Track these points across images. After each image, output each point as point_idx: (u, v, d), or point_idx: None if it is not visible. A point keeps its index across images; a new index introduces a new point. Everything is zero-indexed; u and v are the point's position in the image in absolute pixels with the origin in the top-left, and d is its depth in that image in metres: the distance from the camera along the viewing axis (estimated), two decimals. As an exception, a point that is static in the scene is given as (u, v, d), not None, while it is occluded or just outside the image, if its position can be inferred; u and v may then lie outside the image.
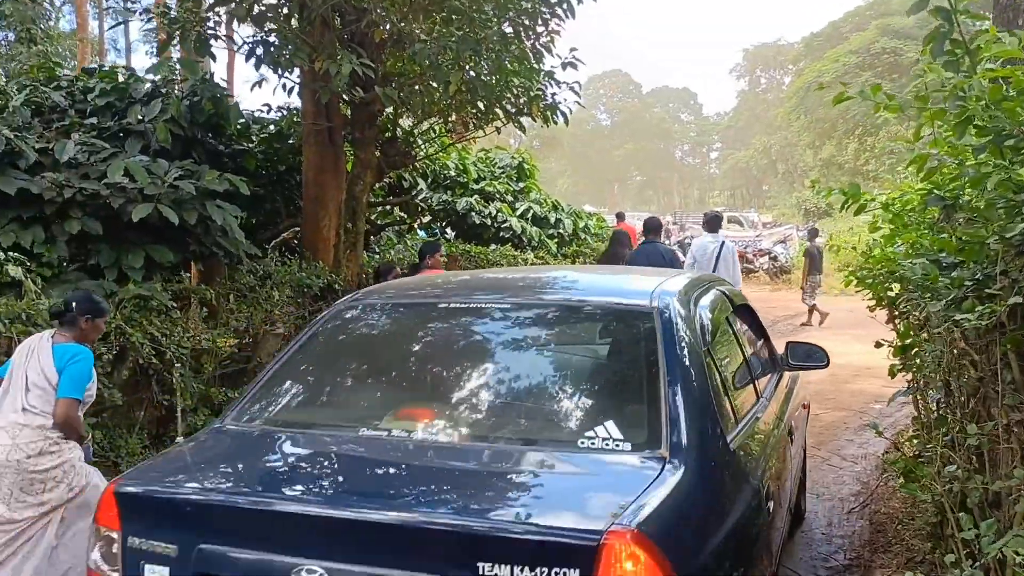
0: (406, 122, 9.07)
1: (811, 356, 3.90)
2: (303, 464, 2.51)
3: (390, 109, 8.51)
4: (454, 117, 8.72)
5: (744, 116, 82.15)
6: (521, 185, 11.39)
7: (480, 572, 1.87)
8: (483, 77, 7.30)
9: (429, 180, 10.59)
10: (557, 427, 2.50)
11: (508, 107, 7.99)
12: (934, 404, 3.68)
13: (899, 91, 33.10)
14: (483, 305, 3.08)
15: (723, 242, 8.09)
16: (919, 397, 3.96)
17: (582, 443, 2.29)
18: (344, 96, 7.91)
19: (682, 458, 2.16)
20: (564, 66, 7.93)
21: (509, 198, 10.92)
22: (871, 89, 2.42)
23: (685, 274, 3.65)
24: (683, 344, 2.57)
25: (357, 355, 3.10)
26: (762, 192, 79.56)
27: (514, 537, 1.91)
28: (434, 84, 7.42)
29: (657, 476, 2.08)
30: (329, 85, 6.89)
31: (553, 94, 7.98)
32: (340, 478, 2.44)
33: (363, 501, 2.20)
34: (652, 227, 7.59)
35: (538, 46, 7.83)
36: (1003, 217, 1.98)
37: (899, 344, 3.76)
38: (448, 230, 11.40)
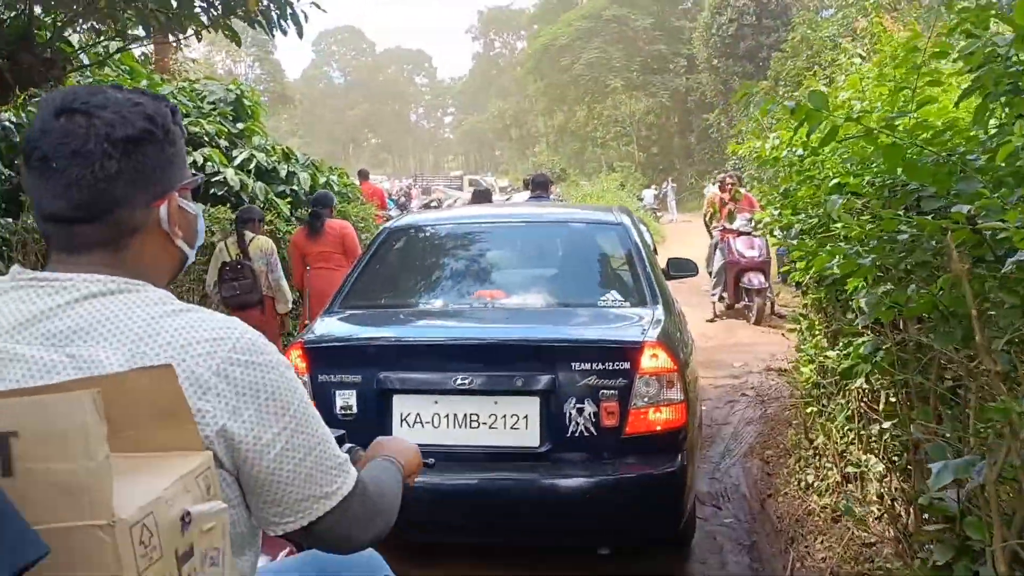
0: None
1: (685, 268, 4.92)
2: (427, 320, 3.70)
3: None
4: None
5: (478, 80, 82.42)
6: (240, 127, 8.65)
7: (572, 368, 2.99)
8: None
9: (105, 115, 7.54)
10: (583, 296, 3.77)
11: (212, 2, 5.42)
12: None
13: (628, 60, 33.68)
14: (506, 222, 4.45)
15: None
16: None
17: (600, 304, 3.61)
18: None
19: (660, 307, 3.45)
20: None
21: (223, 142, 8.19)
22: None
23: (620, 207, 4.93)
24: (641, 244, 3.91)
25: (419, 261, 4.21)
26: (495, 157, 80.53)
27: (593, 345, 3.09)
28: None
29: (652, 316, 3.33)
30: None
31: (279, -17, 5.53)
32: (462, 324, 3.60)
33: (490, 332, 3.39)
34: (541, 183, 8.14)
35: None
36: None
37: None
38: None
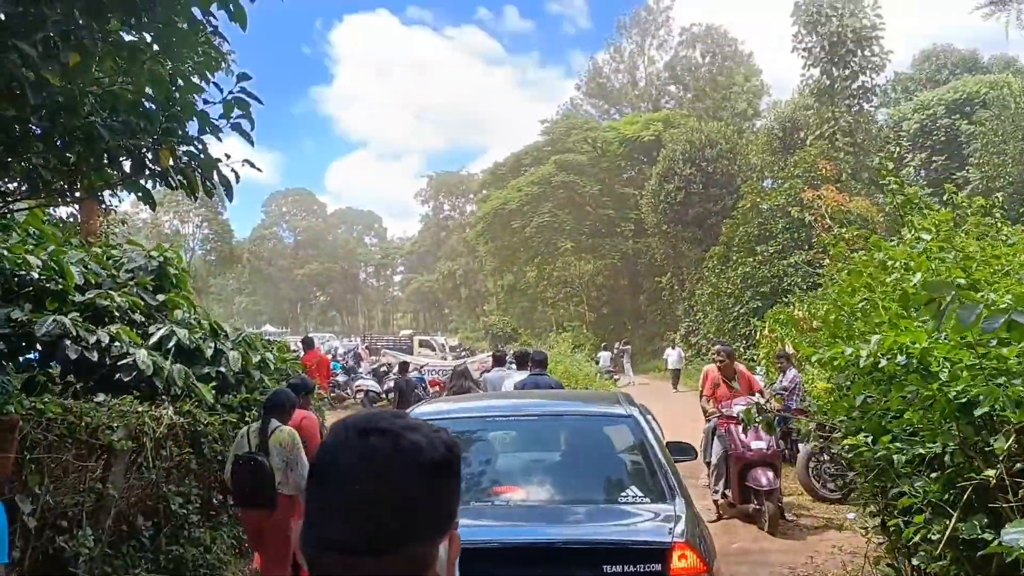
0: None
1: (684, 451, 5.20)
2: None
3: None
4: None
5: (428, 241, 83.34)
6: (161, 298, 7.50)
7: (603, 571, 3.05)
8: (58, 82, 3.69)
9: (-3, 285, 6.38)
10: (603, 492, 3.90)
11: (119, 153, 4.41)
12: None
13: (577, 223, 33.88)
14: (518, 416, 4.59)
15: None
16: None
17: (621, 500, 3.68)
18: None
19: (681, 503, 3.55)
20: (234, 102, 4.55)
21: (139, 317, 7.00)
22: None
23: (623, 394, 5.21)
24: (654, 436, 4.06)
25: None
26: (444, 316, 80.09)
27: (622, 547, 3.24)
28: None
29: (675, 513, 3.43)
30: None
31: (202, 136, 4.56)
32: (485, 523, 3.55)
33: (519, 533, 3.45)
34: (540, 360, 8.35)
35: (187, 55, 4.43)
36: None
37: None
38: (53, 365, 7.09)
